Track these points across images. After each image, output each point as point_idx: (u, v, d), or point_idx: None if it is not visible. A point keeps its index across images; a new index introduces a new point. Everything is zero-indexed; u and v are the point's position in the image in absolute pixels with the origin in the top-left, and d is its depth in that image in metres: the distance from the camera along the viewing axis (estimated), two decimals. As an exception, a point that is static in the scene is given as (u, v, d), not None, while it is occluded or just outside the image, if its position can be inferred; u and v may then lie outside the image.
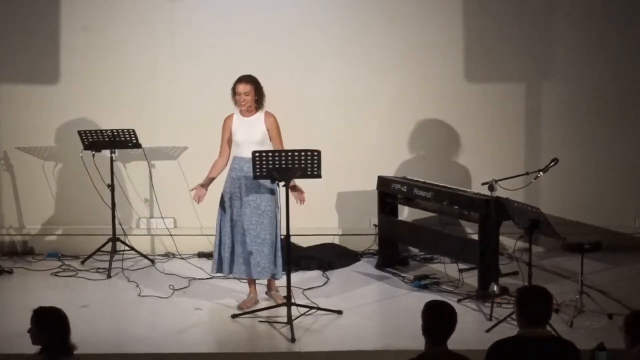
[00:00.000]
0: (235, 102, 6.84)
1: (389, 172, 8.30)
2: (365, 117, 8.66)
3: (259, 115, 6.83)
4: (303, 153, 6.37)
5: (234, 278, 7.16)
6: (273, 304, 6.83)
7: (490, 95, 8.64)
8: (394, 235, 8.09)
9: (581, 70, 8.63)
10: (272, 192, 6.77)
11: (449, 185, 7.66)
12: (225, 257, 6.84)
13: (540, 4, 8.61)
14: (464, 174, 8.59)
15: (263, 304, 6.92)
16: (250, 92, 6.75)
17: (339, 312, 6.70)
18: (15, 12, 8.46)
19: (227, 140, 6.89)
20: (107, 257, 7.96)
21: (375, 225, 8.28)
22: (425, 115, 8.67)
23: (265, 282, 7.05)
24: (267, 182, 6.68)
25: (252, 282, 7.01)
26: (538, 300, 4.52)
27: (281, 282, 6.98)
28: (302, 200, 6.71)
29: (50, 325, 4.41)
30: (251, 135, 6.77)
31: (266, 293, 7.05)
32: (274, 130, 6.81)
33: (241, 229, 6.76)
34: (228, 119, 6.91)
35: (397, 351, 5.83)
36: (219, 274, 7.05)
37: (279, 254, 6.81)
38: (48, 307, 4.54)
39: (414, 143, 8.68)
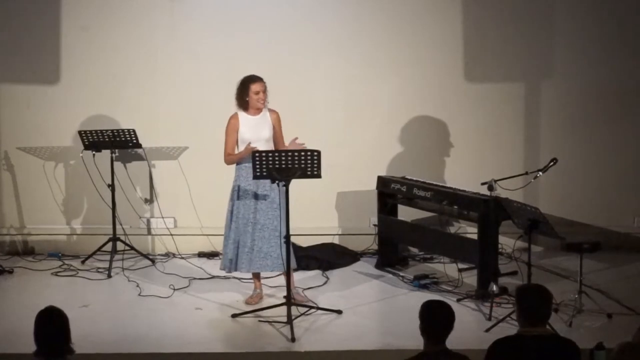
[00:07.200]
0: (246, 103, 6.83)
1: (389, 172, 8.30)
2: (365, 117, 8.66)
3: (265, 113, 6.90)
4: (303, 153, 6.37)
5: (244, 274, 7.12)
6: (275, 301, 6.85)
7: (490, 95, 8.63)
8: (393, 235, 8.10)
9: (581, 70, 8.63)
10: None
11: (448, 185, 7.66)
12: (239, 253, 6.80)
13: (540, 4, 8.61)
14: (463, 174, 8.58)
15: (267, 300, 6.96)
16: (265, 90, 6.85)
17: (339, 312, 6.70)
18: (15, 12, 8.47)
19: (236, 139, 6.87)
20: (108, 257, 7.96)
21: (375, 225, 8.29)
22: (425, 115, 8.67)
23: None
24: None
25: (258, 277, 7.04)
26: (538, 299, 4.52)
27: (280, 281, 7.01)
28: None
29: (43, 327, 4.41)
30: (261, 133, 6.83)
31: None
32: (279, 125, 6.94)
33: (258, 224, 6.77)
34: (234, 119, 6.89)
35: (396, 350, 5.83)
36: (227, 272, 7.02)
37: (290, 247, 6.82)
38: (48, 308, 4.54)
39: (413, 143, 8.68)
